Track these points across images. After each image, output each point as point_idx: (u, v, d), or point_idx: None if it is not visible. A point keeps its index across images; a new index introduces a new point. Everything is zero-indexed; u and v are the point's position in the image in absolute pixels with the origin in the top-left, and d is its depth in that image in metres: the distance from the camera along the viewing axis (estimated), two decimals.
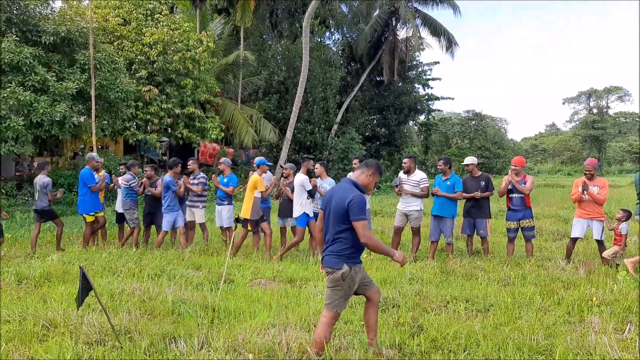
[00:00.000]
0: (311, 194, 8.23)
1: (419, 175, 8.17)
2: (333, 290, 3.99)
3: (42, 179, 8.82)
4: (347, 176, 8.20)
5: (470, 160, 8.41)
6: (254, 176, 8.65)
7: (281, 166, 9.43)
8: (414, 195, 8.03)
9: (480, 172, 8.40)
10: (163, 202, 8.90)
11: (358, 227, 3.85)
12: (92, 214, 9.03)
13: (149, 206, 9.39)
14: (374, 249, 3.95)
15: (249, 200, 8.50)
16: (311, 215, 8.30)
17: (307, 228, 8.50)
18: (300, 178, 8.27)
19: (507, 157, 43.35)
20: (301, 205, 8.23)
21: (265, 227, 8.68)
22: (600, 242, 7.59)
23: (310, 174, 8.59)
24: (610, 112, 65.84)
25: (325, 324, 4.00)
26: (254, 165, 9.54)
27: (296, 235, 8.39)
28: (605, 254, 7.37)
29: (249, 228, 8.66)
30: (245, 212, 8.48)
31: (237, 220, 7.62)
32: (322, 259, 4.15)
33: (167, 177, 8.88)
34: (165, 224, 8.92)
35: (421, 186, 8.06)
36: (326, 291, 4.06)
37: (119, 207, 9.66)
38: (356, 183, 4.13)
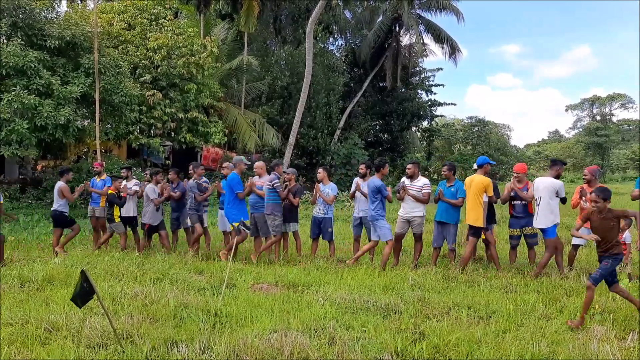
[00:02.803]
0: (565, 200, 7.22)
1: (422, 181, 8.22)
2: None
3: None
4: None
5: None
6: (481, 178, 7.46)
7: (283, 171, 9.35)
8: (415, 198, 8.04)
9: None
10: (373, 209, 7.86)
11: None
12: (238, 222, 8.27)
13: (173, 209, 9.47)
14: None
15: (478, 206, 7.37)
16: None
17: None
18: (555, 182, 7.18)
19: (510, 163, 43.19)
20: (553, 212, 7.08)
21: (490, 237, 7.79)
22: None
23: (558, 177, 7.45)
24: (614, 119, 65.82)
25: None
26: (254, 169, 9.45)
27: (548, 250, 7.24)
28: (630, 270, 7.11)
29: (483, 237, 7.68)
30: (475, 220, 7.44)
31: (244, 226, 7.62)
32: None
33: (378, 180, 7.85)
34: (386, 234, 7.85)
35: (423, 192, 8.09)
36: None
37: (122, 211, 9.67)
38: None
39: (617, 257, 5.32)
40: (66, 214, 9.23)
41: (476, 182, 7.50)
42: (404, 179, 8.38)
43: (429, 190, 8.16)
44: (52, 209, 9.33)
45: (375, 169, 8.13)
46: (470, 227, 7.65)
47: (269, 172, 8.82)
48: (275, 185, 8.48)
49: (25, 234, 11.24)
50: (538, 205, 7.33)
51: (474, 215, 7.51)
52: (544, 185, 7.29)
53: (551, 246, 7.23)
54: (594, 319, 5.27)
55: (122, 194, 9.19)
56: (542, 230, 7.36)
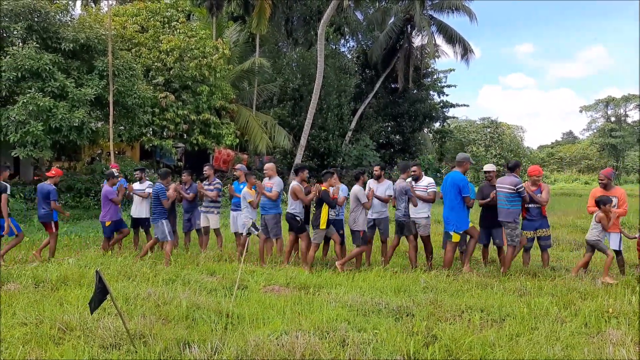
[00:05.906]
0: None
1: (426, 180, 8.23)
2: None
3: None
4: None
5: (490, 167, 8.35)
6: None
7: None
8: (422, 198, 8.00)
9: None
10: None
11: None
12: (462, 231, 7.61)
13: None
14: None
15: None
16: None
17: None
18: None
19: (523, 165, 42.82)
20: None
21: None
22: (618, 252, 7.46)
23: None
24: (629, 120, 64.94)
25: None
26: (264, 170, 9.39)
27: None
28: None
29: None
30: None
31: (254, 226, 7.61)
32: None
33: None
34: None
35: (429, 191, 8.06)
36: None
37: (134, 212, 9.75)
38: None
39: None
40: (299, 217, 8.33)
41: None
42: (409, 180, 8.36)
43: (435, 189, 8.13)
44: (287, 211, 8.43)
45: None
46: None
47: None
48: (519, 190, 7.30)
49: (40, 234, 11.34)
50: None
51: None
52: None
53: None
54: (610, 322, 5.19)
55: (333, 194, 8.07)
56: None
